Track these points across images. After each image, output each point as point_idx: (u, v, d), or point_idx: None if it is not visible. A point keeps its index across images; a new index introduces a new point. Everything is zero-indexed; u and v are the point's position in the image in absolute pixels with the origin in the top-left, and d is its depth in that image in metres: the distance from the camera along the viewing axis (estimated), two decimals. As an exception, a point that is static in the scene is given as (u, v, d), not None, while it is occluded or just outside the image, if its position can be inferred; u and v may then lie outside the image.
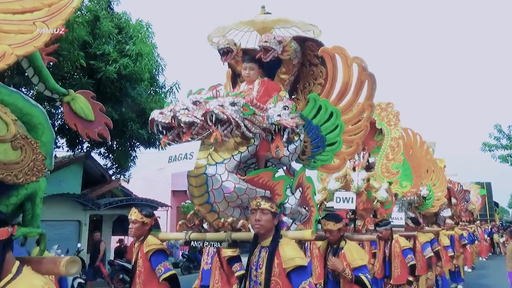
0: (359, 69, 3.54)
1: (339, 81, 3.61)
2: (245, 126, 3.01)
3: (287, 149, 3.45)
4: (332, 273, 3.81)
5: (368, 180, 5.71)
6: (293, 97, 3.86)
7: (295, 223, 3.64)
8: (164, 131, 3.09)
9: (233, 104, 2.96)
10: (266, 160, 3.46)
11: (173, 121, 3.01)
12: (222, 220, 3.07)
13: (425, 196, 8.13)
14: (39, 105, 2.23)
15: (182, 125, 2.96)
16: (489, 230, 23.57)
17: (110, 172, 17.61)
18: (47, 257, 2.02)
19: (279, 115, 3.20)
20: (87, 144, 15.54)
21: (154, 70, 13.10)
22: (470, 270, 14.30)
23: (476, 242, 17.50)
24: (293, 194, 3.50)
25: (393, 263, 5.88)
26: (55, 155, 15.55)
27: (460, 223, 13.88)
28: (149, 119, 3.09)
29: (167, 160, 3.02)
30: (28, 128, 2.08)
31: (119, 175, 17.08)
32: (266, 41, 3.47)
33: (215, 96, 3.11)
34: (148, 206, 12.66)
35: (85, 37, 10.77)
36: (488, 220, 26.34)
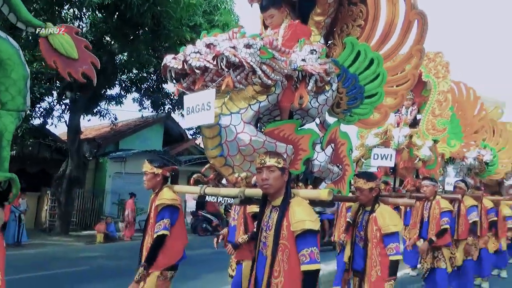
0: (407, 6, 2.68)
1: (381, 22, 2.79)
2: (263, 71, 2.34)
3: (317, 100, 2.74)
4: (359, 237, 3.13)
5: (410, 137, 4.78)
6: (329, 42, 3.08)
7: (325, 182, 2.99)
8: (179, 78, 2.53)
9: (248, 46, 2.30)
10: (292, 112, 2.80)
11: (185, 66, 2.43)
12: (236, 175, 2.51)
13: (487, 161, 6.80)
14: (10, 38, 1.80)
15: (195, 70, 2.38)
16: None
17: (191, 132, 17.80)
18: None
19: (303, 60, 2.49)
20: (169, 106, 15.70)
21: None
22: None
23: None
24: (323, 150, 2.83)
25: (430, 225, 4.85)
26: (142, 115, 16.02)
27: None
28: (162, 65, 2.53)
29: (185, 111, 2.49)
30: None
31: (198, 135, 17.25)
32: None
33: (231, 38, 2.47)
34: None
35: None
36: None
